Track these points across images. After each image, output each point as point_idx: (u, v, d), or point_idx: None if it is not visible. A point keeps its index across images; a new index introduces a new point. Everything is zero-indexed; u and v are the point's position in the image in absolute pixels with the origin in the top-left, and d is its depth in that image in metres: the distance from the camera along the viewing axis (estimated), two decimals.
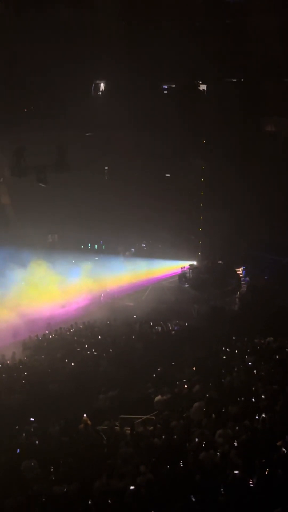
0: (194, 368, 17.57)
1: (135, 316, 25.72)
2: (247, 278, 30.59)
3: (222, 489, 8.85)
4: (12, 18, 26.48)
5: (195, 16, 28.67)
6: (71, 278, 28.94)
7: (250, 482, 8.93)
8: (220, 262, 31.59)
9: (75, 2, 26.95)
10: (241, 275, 31.01)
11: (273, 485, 8.73)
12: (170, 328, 24.48)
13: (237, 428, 11.38)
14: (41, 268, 27.54)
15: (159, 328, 24.00)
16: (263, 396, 13.40)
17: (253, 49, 27.09)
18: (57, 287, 28.31)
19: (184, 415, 13.25)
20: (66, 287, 28.63)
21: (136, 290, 30.76)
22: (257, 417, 11.96)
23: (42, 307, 25.91)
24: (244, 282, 30.54)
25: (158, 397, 15.10)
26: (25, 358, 20.34)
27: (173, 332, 23.94)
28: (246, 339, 20.44)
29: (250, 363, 16.94)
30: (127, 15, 27.81)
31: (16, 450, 12.47)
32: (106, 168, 33.07)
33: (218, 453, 10.24)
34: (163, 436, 11.91)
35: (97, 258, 31.69)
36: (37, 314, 25.30)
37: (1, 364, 19.67)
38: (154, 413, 14.33)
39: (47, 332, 23.84)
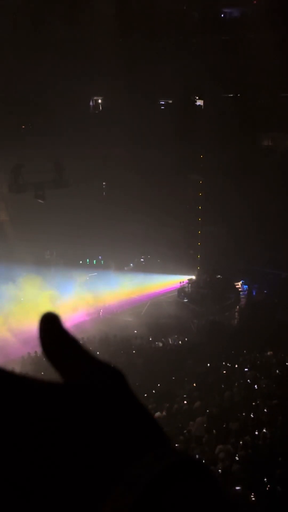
0: (194, 384, 17.47)
1: (135, 332, 25.60)
2: (246, 292, 30.52)
3: None
4: (9, 36, 26.67)
5: (192, 33, 28.99)
6: (67, 294, 28.82)
7: (252, 497, 8.84)
8: (219, 276, 31.50)
9: (72, 20, 27.19)
10: (240, 289, 30.95)
11: (274, 501, 8.64)
12: (170, 343, 24.37)
13: (239, 443, 11.29)
14: (36, 285, 27.43)
15: (159, 344, 23.88)
16: (265, 410, 13.31)
17: (249, 64, 27.33)
18: (53, 303, 28.19)
19: (185, 431, 13.14)
20: (62, 303, 28.50)
21: (135, 305, 30.64)
22: (256, 432, 11.87)
23: (35, 324, 25.68)
24: (243, 296, 30.45)
25: (157, 413, 14.97)
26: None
27: (173, 347, 23.83)
28: (245, 353, 20.36)
29: (250, 378, 16.86)
30: (124, 32, 28.07)
31: None
32: (104, 184, 33.13)
33: (219, 470, 10.13)
34: None
35: (89, 276, 31.53)
36: (31, 331, 25.12)
37: None
38: None
39: None
